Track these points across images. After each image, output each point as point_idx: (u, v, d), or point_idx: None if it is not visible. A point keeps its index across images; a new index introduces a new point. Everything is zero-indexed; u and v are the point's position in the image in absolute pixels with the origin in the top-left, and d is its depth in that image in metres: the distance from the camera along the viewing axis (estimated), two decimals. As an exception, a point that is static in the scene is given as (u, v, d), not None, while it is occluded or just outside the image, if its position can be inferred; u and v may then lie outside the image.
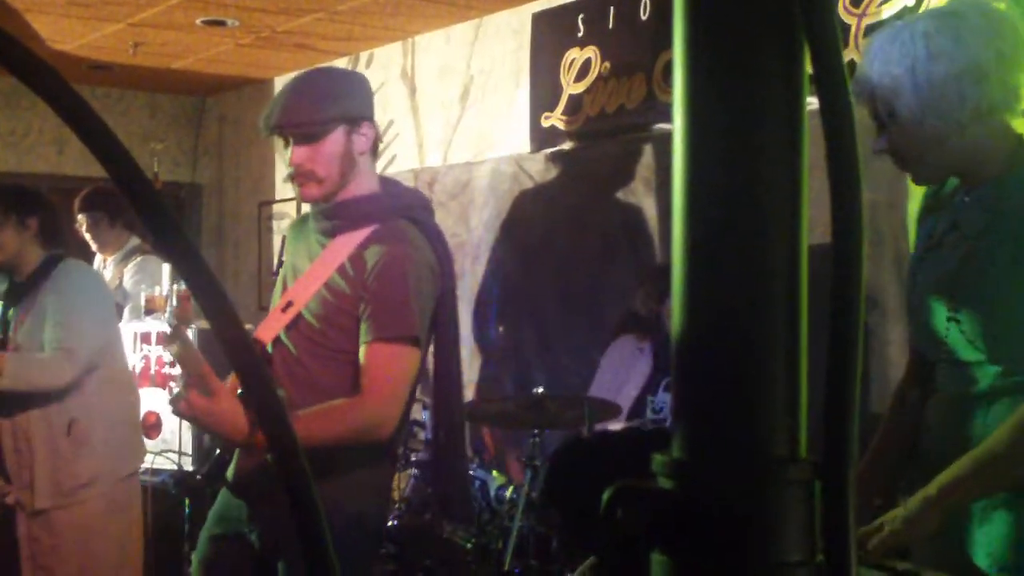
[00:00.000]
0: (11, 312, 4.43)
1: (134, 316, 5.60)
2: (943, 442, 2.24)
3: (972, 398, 2.20)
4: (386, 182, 3.13)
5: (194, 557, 3.11)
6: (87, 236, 5.93)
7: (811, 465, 0.64)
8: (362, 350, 2.88)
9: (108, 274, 5.92)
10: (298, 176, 2.95)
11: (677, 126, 0.66)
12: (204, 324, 5.48)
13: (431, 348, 3.05)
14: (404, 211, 3.02)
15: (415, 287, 2.90)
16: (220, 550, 3.05)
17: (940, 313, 2.22)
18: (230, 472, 3.08)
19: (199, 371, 2.77)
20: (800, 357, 0.64)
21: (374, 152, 3.07)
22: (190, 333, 5.75)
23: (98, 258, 6.03)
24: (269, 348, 2.99)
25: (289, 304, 2.99)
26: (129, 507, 4.67)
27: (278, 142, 3.01)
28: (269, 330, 3.00)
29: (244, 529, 2.99)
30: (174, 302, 3.17)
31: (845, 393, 0.63)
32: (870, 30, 4.40)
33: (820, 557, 0.64)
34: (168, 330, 2.95)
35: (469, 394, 6.12)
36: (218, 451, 3.12)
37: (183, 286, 4.48)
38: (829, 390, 0.63)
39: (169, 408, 2.85)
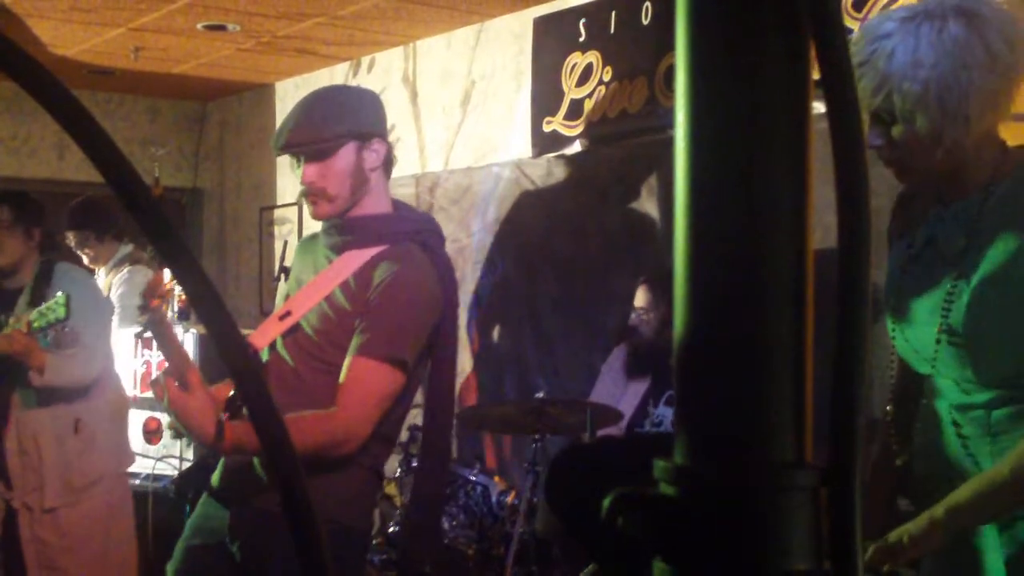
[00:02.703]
0: (10, 317, 4.48)
1: (126, 324, 5.60)
2: (943, 452, 2.23)
3: (971, 408, 2.18)
4: (399, 205, 3.12)
5: (169, 567, 3.05)
6: (78, 252, 5.95)
7: (817, 471, 0.63)
8: (346, 361, 2.86)
9: (100, 283, 5.93)
10: (310, 194, 2.95)
11: (679, 127, 0.65)
12: (202, 329, 5.48)
13: (426, 374, 3.04)
14: (414, 235, 3.01)
15: (414, 312, 2.89)
16: (197, 561, 3.00)
17: (929, 330, 2.18)
18: (215, 478, 3.05)
19: (179, 362, 2.77)
20: (805, 361, 0.64)
21: (387, 169, 3.05)
22: (191, 332, 5.77)
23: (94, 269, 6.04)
24: (264, 354, 2.98)
25: (287, 314, 2.98)
26: (127, 505, 4.82)
27: (291, 161, 3.00)
28: (264, 336, 2.99)
29: (224, 539, 2.95)
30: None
31: (852, 398, 0.62)
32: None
33: (827, 565, 0.63)
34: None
35: (470, 399, 6.11)
36: (194, 462, 3.10)
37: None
38: (836, 395, 0.62)
39: (152, 391, 2.85)
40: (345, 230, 2.98)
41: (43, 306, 4.28)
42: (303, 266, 3.13)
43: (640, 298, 4.68)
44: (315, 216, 3.02)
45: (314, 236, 3.20)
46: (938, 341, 2.15)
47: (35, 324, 4.25)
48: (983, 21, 2.04)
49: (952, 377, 2.16)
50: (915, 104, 2.04)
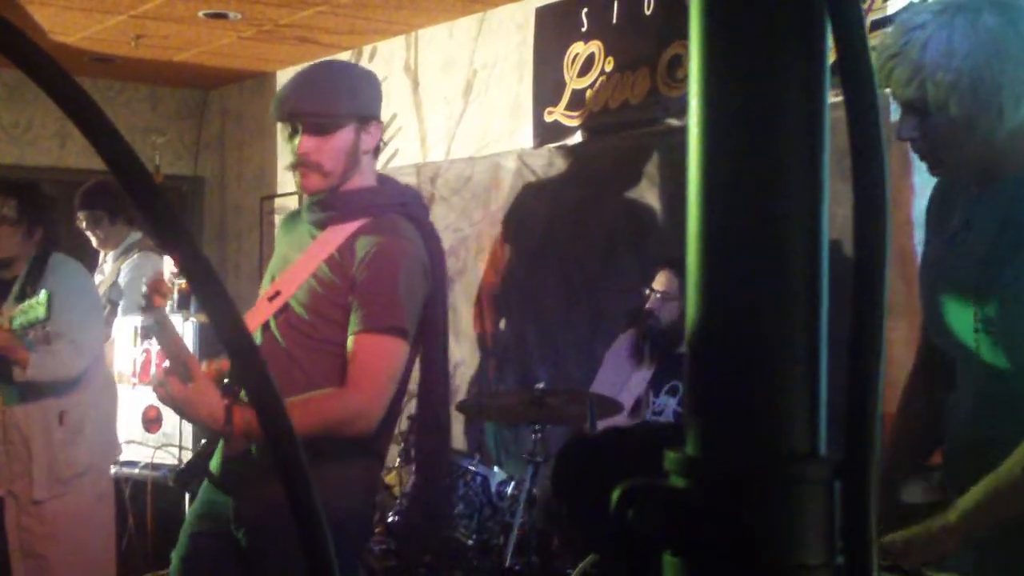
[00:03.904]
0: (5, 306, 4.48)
1: (131, 311, 5.59)
2: (975, 441, 2.21)
3: (1003, 399, 2.17)
4: (383, 178, 3.11)
5: (174, 555, 3.05)
6: (87, 233, 5.94)
7: (831, 463, 0.62)
8: (349, 340, 2.85)
9: (107, 269, 5.92)
10: (302, 166, 2.94)
11: (693, 116, 0.64)
12: (203, 318, 5.47)
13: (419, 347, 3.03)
14: (399, 207, 3.00)
15: (405, 280, 2.88)
16: (203, 548, 3.00)
17: (966, 317, 2.16)
18: (214, 465, 3.04)
19: (181, 356, 2.78)
20: (820, 351, 0.63)
21: (377, 151, 3.06)
22: (192, 321, 5.76)
23: (102, 253, 6.03)
24: (257, 336, 2.97)
25: (277, 293, 2.97)
26: (110, 496, 4.87)
27: (283, 130, 2.99)
28: (254, 318, 2.98)
29: (229, 527, 2.95)
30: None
31: (867, 390, 0.61)
32: (876, 25, 4.38)
33: (840, 559, 0.62)
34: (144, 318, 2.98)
35: (471, 389, 6.11)
36: (196, 452, 3.10)
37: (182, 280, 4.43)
38: (851, 386, 0.61)
39: (155, 394, 2.86)
40: (328, 205, 2.97)
41: (25, 304, 4.27)
42: (288, 244, 3.11)
43: (661, 282, 4.62)
44: (303, 188, 3.00)
45: (296, 212, 3.19)
46: (976, 330, 2.14)
47: (15, 323, 4.24)
48: (1018, 12, 2.04)
49: (989, 364, 2.15)
50: (948, 93, 2.03)
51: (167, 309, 5.84)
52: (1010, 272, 2.11)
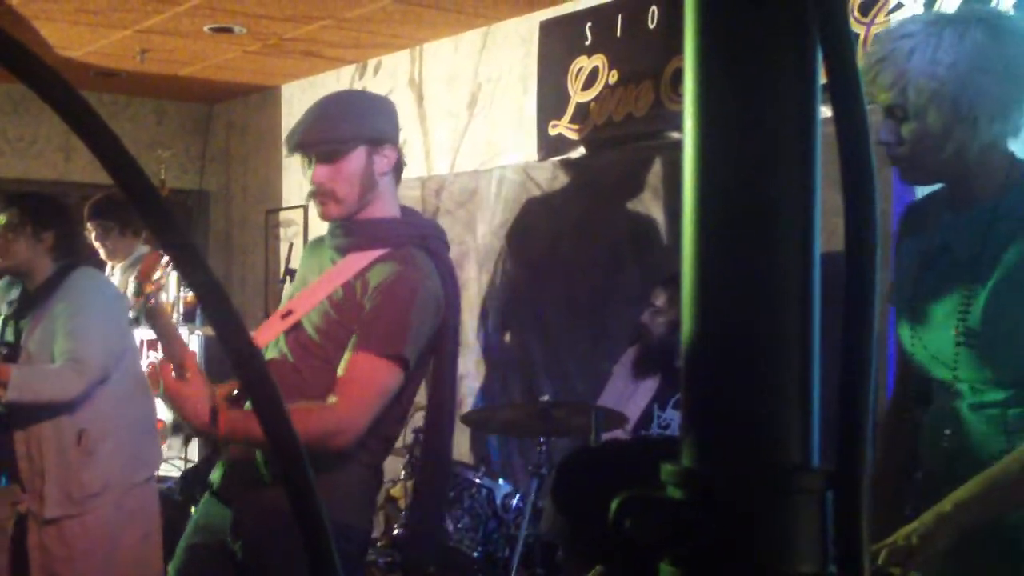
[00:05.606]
0: (23, 322, 4.45)
1: (135, 323, 5.59)
2: (958, 452, 2.23)
3: (986, 407, 2.18)
4: (406, 211, 3.15)
5: (170, 568, 3.07)
6: (96, 244, 5.95)
7: (823, 474, 0.63)
8: (345, 357, 2.88)
9: (115, 281, 5.93)
10: (319, 195, 2.99)
11: (688, 133, 0.65)
12: (208, 331, 5.49)
13: (428, 377, 3.08)
14: (419, 240, 3.04)
15: (415, 311, 2.91)
16: (198, 560, 3.01)
17: (946, 337, 2.19)
18: (215, 476, 3.06)
19: (175, 346, 2.81)
20: (812, 364, 0.64)
21: (397, 175, 3.09)
22: (197, 336, 5.78)
23: (109, 265, 6.05)
24: (267, 352, 3.00)
25: (289, 312, 3.01)
26: (144, 514, 4.64)
27: (301, 161, 3.04)
28: (265, 335, 3.02)
29: (226, 539, 2.96)
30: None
31: (858, 401, 0.62)
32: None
33: (832, 568, 0.63)
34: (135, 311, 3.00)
35: (476, 402, 6.11)
36: (196, 462, 3.12)
37: (189, 292, 4.45)
38: (843, 398, 0.62)
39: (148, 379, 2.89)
40: (350, 232, 3.02)
41: None
42: (309, 267, 3.17)
43: (659, 297, 4.68)
44: (323, 217, 3.06)
45: (321, 238, 3.23)
46: (957, 344, 2.17)
47: None
48: (1005, 31, 2.09)
49: (971, 379, 2.18)
50: (929, 100, 2.08)
51: (174, 319, 5.86)
52: (992, 286, 2.13)
